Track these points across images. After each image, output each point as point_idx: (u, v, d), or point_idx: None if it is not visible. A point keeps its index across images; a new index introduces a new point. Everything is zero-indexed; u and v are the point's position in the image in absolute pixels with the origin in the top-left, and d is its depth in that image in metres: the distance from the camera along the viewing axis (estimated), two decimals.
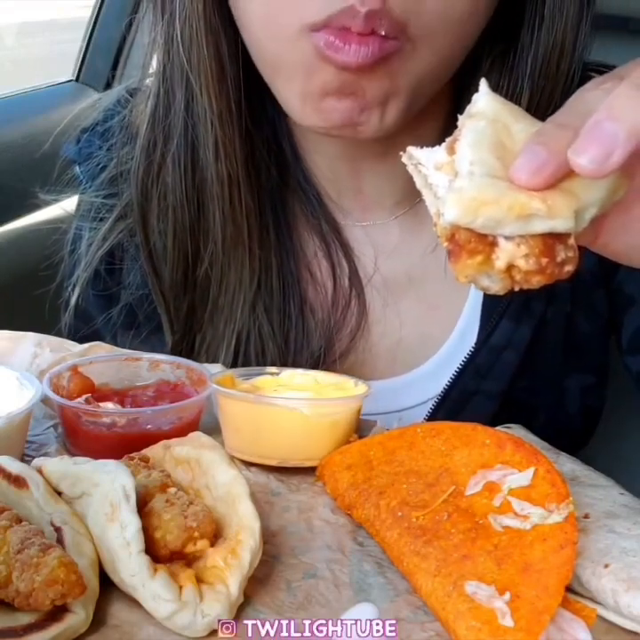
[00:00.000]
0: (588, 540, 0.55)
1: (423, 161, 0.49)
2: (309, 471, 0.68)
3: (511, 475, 0.57)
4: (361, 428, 0.71)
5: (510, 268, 0.45)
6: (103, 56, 1.82)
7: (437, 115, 0.80)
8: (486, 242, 0.45)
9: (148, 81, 0.88)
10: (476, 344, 0.84)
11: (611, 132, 0.44)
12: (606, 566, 0.53)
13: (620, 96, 0.45)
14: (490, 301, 0.83)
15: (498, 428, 0.65)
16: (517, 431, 0.70)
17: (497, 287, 0.46)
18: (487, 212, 0.44)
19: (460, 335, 0.86)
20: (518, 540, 0.53)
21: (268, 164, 0.84)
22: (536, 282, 0.46)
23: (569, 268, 0.46)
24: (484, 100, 0.48)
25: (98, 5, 1.80)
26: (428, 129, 0.81)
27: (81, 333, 0.90)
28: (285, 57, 0.70)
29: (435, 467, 0.61)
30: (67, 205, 0.98)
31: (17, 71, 2.72)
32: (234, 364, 0.83)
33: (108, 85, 1.80)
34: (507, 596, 0.50)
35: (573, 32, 0.74)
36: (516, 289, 0.47)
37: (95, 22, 1.81)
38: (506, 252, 0.44)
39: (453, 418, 0.82)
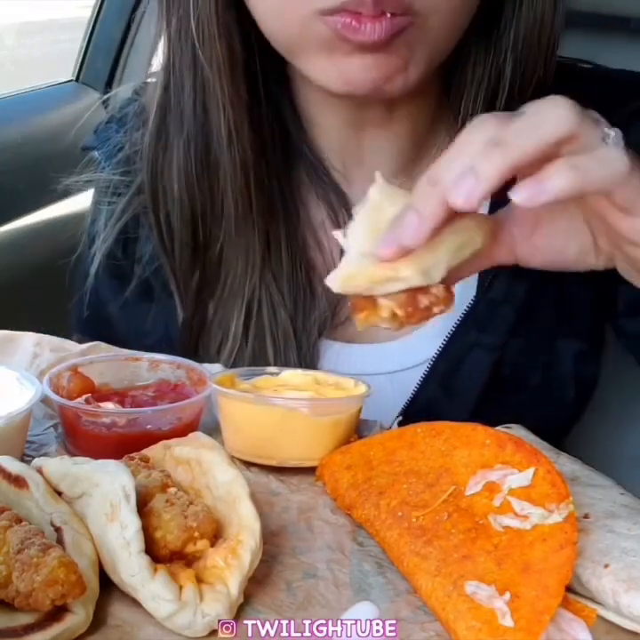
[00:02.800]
0: (589, 540, 0.55)
1: (340, 241, 0.63)
2: (309, 471, 0.68)
3: (511, 475, 0.57)
4: (361, 428, 0.71)
5: (394, 315, 0.60)
6: (103, 56, 1.82)
7: (431, 86, 0.84)
8: (371, 300, 0.60)
9: (154, 72, 0.90)
10: (475, 296, 0.86)
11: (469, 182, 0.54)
12: (606, 566, 0.53)
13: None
14: None
15: (498, 428, 0.65)
16: (517, 431, 0.70)
17: (393, 327, 0.61)
18: (357, 283, 0.60)
19: (459, 293, 0.87)
20: (518, 540, 0.53)
21: (274, 140, 0.87)
22: (415, 321, 0.60)
23: (437, 309, 0.60)
24: (373, 189, 0.62)
25: (98, 5, 1.80)
26: (425, 99, 0.85)
27: (95, 310, 0.93)
28: (301, 41, 0.74)
29: (435, 467, 0.61)
30: (72, 205, 0.99)
31: (17, 71, 2.72)
32: (245, 336, 0.86)
33: (109, 85, 1.80)
34: (507, 596, 0.50)
35: (551, 6, 0.80)
36: (407, 327, 0.62)
37: (95, 22, 1.81)
38: (384, 307, 0.60)
39: (452, 371, 0.85)
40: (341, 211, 0.89)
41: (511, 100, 0.81)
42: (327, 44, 0.73)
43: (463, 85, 0.83)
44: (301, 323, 0.87)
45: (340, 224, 0.89)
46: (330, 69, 0.75)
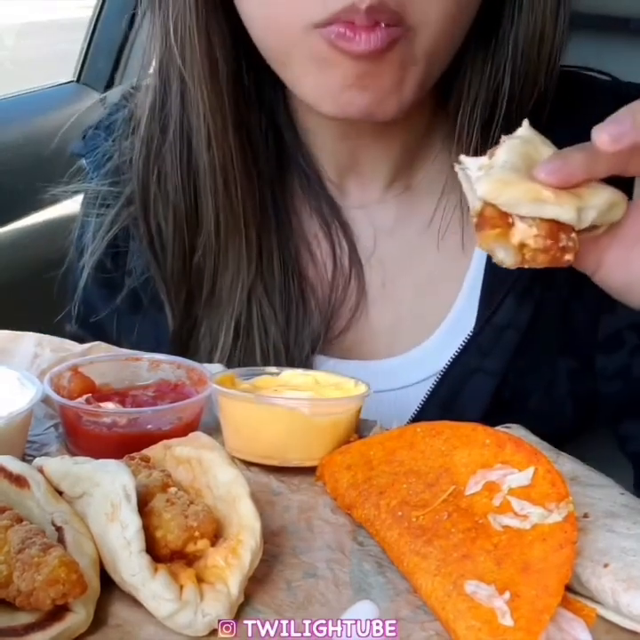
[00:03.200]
0: (588, 540, 0.55)
1: (469, 165, 0.59)
2: (309, 471, 0.68)
3: (511, 474, 0.57)
4: (361, 428, 0.71)
5: (522, 246, 0.56)
6: (104, 57, 1.82)
7: (427, 96, 0.82)
8: (506, 221, 0.56)
9: (148, 77, 0.89)
10: (478, 322, 0.85)
11: (626, 121, 0.54)
12: (606, 566, 0.53)
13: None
14: (493, 279, 0.85)
15: (498, 427, 0.65)
16: (517, 431, 0.70)
17: (509, 261, 0.57)
18: (508, 192, 0.55)
19: (458, 315, 0.87)
20: (518, 539, 0.53)
21: (265, 150, 0.86)
22: (540, 261, 0.56)
23: (569, 256, 0.56)
24: (523, 129, 0.60)
25: (99, 6, 1.80)
26: (420, 109, 0.83)
27: (85, 320, 0.92)
28: (293, 54, 0.72)
29: (435, 466, 0.61)
30: (70, 206, 0.99)
31: (18, 72, 2.72)
32: (233, 348, 0.85)
33: (109, 86, 1.80)
34: (506, 595, 0.50)
35: (553, 17, 0.78)
36: (525, 266, 0.57)
37: (96, 23, 1.81)
38: (520, 230, 0.55)
39: (453, 395, 0.84)
40: (334, 222, 0.88)
41: (510, 112, 0.79)
42: (320, 56, 0.71)
43: (460, 98, 0.81)
44: (293, 337, 0.85)
45: (332, 237, 0.88)
46: (322, 86, 0.73)
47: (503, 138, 0.60)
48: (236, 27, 0.78)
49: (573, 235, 0.56)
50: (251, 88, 0.83)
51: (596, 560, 0.54)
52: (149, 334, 0.89)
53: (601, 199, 0.57)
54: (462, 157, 0.60)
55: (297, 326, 0.86)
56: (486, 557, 0.53)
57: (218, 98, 0.80)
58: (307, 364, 0.85)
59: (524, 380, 0.86)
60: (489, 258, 0.85)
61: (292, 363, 0.84)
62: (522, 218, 0.56)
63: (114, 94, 0.96)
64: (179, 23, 0.78)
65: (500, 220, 0.56)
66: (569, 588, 0.53)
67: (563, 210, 0.55)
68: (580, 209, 0.56)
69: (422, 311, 0.89)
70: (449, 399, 0.84)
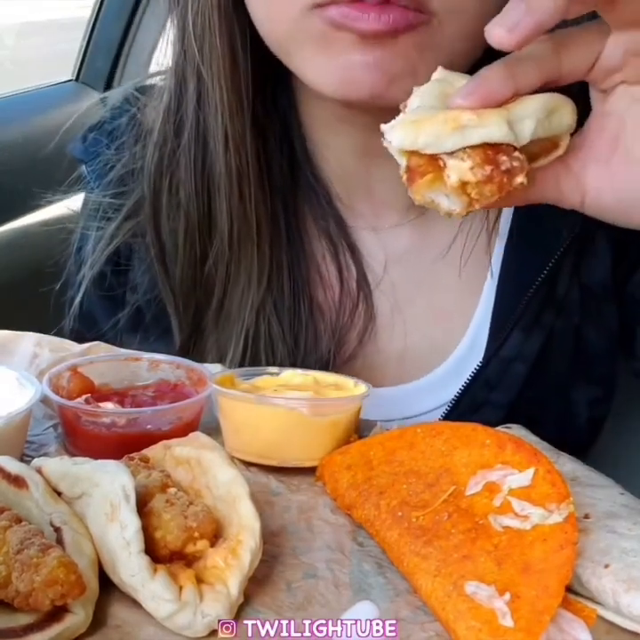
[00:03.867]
0: (589, 541, 0.55)
1: (387, 130, 0.52)
2: (309, 471, 0.68)
3: (511, 475, 0.57)
4: (361, 428, 0.71)
5: (464, 186, 0.49)
6: (103, 56, 1.82)
7: None
8: (436, 164, 0.49)
9: (158, 77, 0.88)
10: (485, 355, 0.83)
11: (519, 6, 0.49)
12: (606, 566, 0.53)
13: None
14: (500, 312, 0.83)
15: (498, 428, 0.65)
16: (517, 431, 0.70)
17: (458, 208, 0.50)
18: (425, 130, 0.49)
19: (469, 345, 0.86)
20: (518, 540, 0.53)
21: (280, 161, 0.83)
22: (489, 193, 0.49)
23: (519, 179, 0.49)
24: (436, 73, 0.55)
25: (98, 5, 1.80)
26: None
27: (85, 336, 0.89)
28: (295, 39, 0.69)
29: (435, 467, 0.61)
30: (71, 205, 0.98)
31: (17, 71, 2.72)
32: (242, 364, 0.83)
33: (109, 85, 1.80)
34: (507, 596, 0.50)
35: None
36: (477, 207, 0.50)
37: (95, 22, 1.81)
38: (453, 168, 0.48)
39: None
40: (341, 244, 0.85)
41: None
42: (322, 37, 0.67)
43: None
44: (301, 360, 0.83)
45: (339, 258, 0.85)
46: (326, 67, 0.69)
47: (414, 88, 0.54)
48: (253, 29, 0.75)
49: (517, 154, 0.49)
50: (268, 93, 0.81)
51: (597, 561, 0.54)
52: (150, 350, 0.87)
53: (533, 106, 0.51)
54: (382, 127, 0.53)
55: (306, 349, 0.84)
56: (487, 558, 0.53)
57: (237, 98, 0.77)
58: None
59: (535, 411, 0.85)
60: (499, 288, 0.84)
61: None
62: (450, 155, 0.49)
63: (115, 96, 0.93)
64: (198, 20, 0.76)
65: (430, 165, 0.50)
66: (569, 589, 0.53)
67: (490, 128, 0.49)
68: (511, 123, 0.49)
69: (433, 340, 0.87)
70: None
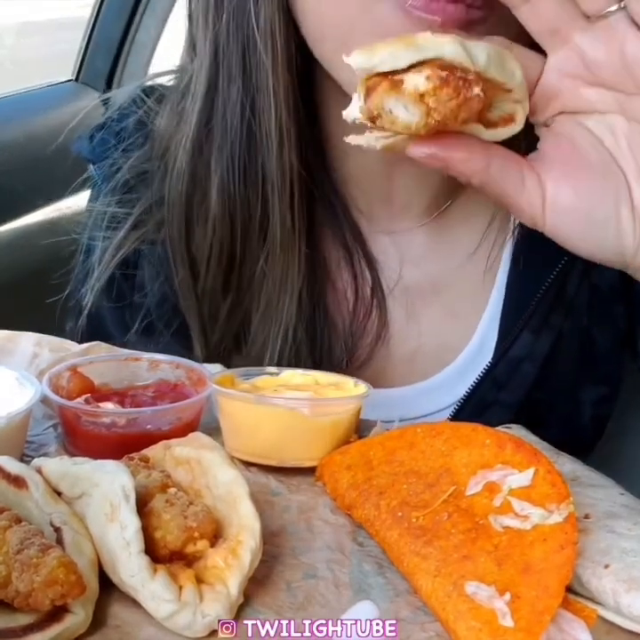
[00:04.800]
0: (589, 541, 0.55)
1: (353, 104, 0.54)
2: (309, 471, 0.68)
3: (511, 475, 0.57)
4: (361, 428, 0.71)
5: (422, 98, 0.49)
6: (103, 56, 1.83)
7: None
8: (393, 80, 0.49)
9: (165, 78, 0.87)
10: (494, 355, 0.84)
11: None
12: (607, 567, 0.53)
13: None
14: (509, 313, 0.84)
15: (498, 428, 0.65)
16: (517, 431, 0.70)
17: (416, 118, 0.49)
18: (381, 49, 0.49)
19: (479, 345, 0.87)
20: (518, 540, 0.53)
21: (307, 168, 0.82)
22: (446, 96, 0.48)
23: (476, 89, 0.49)
24: None
25: (98, 5, 1.80)
26: None
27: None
28: (359, 23, 0.67)
29: (435, 467, 0.61)
30: (71, 205, 0.98)
31: (17, 71, 2.72)
32: (280, 365, 0.82)
33: (109, 85, 1.80)
34: (507, 596, 0.50)
35: None
36: (436, 117, 0.49)
37: (95, 22, 1.81)
38: (410, 79, 0.49)
39: None
40: (357, 252, 0.85)
41: None
42: (387, 27, 0.64)
43: None
44: (318, 364, 0.83)
45: (354, 266, 0.84)
46: None
47: None
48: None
49: (470, 75, 0.49)
50: (311, 90, 0.80)
51: (597, 561, 0.54)
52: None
53: (484, 43, 0.51)
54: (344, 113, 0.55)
55: (322, 354, 0.84)
56: (487, 558, 0.53)
57: (291, 91, 0.76)
58: None
59: (542, 412, 0.85)
60: (508, 289, 0.84)
61: None
62: (407, 71, 0.49)
63: (121, 96, 0.92)
64: (260, 18, 0.74)
65: (386, 80, 0.50)
66: (569, 589, 0.53)
67: (446, 46, 0.48)
68: (465, 45, 0.49)
69: (444, 341, 0.88)
70: None
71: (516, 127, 0.57)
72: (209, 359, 0.83)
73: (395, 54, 0.49)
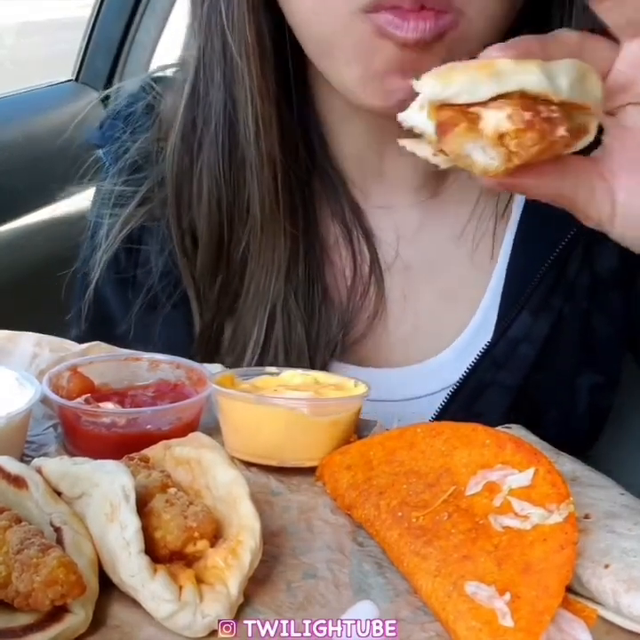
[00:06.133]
0: (589, 541, 0.55)
1: (409, 116, 0.50)
2: (309, 471, 0.68)
3: (511, 475, 0.57)
4: (361, 428, 0.71)
5: (502, 138, 0.45)
6: (103, 56, 1.83)
7: None
8: (469, 116, 0.45)
9: (173, 69, 0.89)
10: (494, 336, 0.84)
11: None
12: (607, 566, 0.53)
13: None
14: (510, 294, 0.84)
15: (498, 428, 0.65)
16: (517, 431, 0.70)
17: (496, 161, 0.46)
18: (458, 76, 0.45)
19: (477, 326, 0.87)
20: (518, 540, 0.53)
21: (298, 146, 0.84)
22: (530, 141, 0.45)
23: (561, 130, 0.45)
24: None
25: (98, 5, 1.80)
26: None
27: (97, 320, 0.91)
28: (340, 41, 0.71)
29: (435, 467, 0.61)
30: (72, 205, 0.98)
31: (17, 71, 2.72)
32: (264, 347, 0.84)
33: (108, 85, 1.80)
34: (507, 596, 0.50)
35: None
36: (516, 162, 0.46)
37: (95, 22, 1.81)
38: (489, 117, 0.45)
39: (468, 408, 0.83)
40: (356, 228, 0.86)
41: None
42: (365, 43, 0.69)
43: None
44: (314, 341, 0.84)
45: (353, 243, 0.86)
46: (363, 77, 0.71)
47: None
48: (277, 23, 0.77)
49: (554, 107, 0.46)
50: (291, 78, 0.82)
51: (597, 561, 0.54)
52: (164, 335, 0.88)
53: (566, 64, 0.48)
54: (399, 116, 0.50)
55: (318, 330, 0.85)
56: (487, 558, 0.53)
57: (265, 84, 0.79)
58: (326, 369, 0.84)
59: (541, 395, 0.85)
60: (509, 269, 0.84)
61: (313, 366, 0.83)
62: (485, 105, 0.45)
63: (130, 85, 0.94)
64: (231, 15, 0.77)
65: (463, 115, 0.46)
66: (569, 589, 0.53)
67: (529, 76, 0.45)
68: (546, 71, 0.46)
69: (442, 321, 0.88)
70: (464, 411, 0.83)
71: (589, 137, 0.53)
72: (202, 339, 0.86)
73: (474, 84, 0.45)
